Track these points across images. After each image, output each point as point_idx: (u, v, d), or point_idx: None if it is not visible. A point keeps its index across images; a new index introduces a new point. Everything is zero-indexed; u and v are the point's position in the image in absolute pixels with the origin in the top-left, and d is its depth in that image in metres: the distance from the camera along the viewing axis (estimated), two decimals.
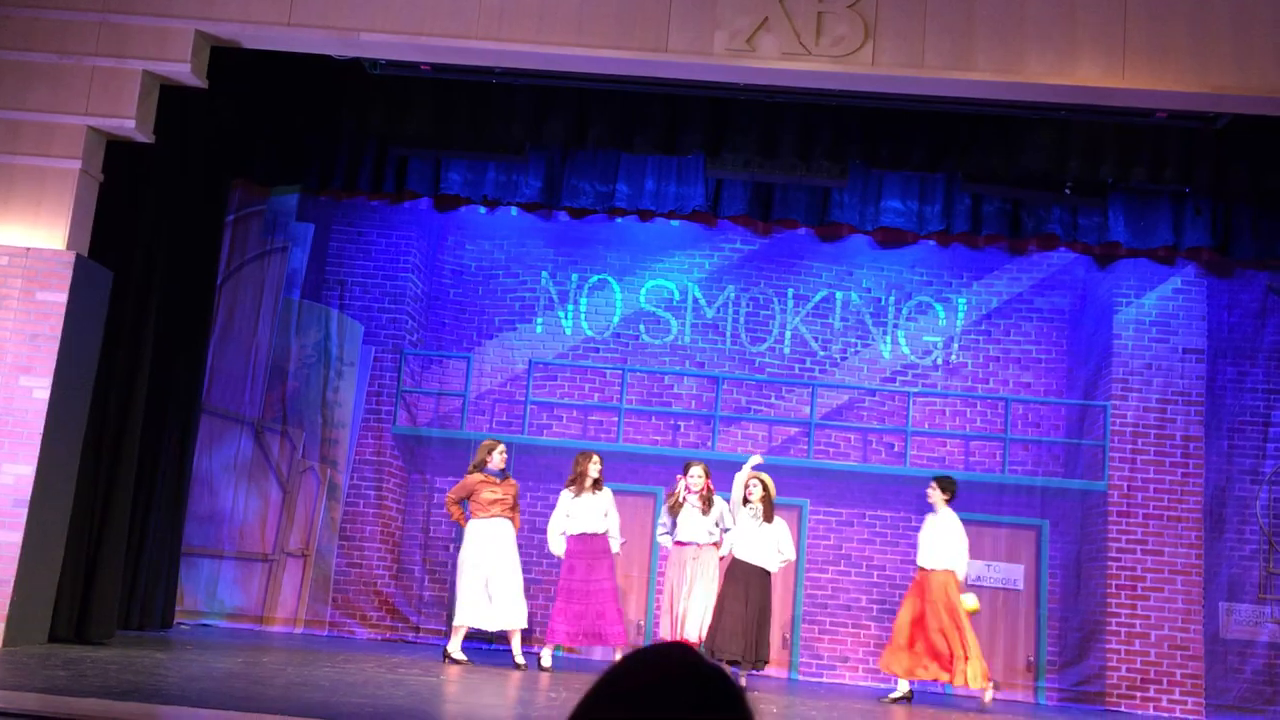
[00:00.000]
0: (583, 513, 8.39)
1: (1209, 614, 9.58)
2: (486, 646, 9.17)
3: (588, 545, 8.34)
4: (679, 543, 8.30)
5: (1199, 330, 9.99)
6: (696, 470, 8.38)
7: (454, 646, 8.32)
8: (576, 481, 8.45)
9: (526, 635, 8.75)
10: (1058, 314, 10.30)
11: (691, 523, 8.29)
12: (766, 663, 8.26)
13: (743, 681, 8.09)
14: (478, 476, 8.46)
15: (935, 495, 8.56)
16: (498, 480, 8.45)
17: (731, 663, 7.93)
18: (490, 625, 8.28)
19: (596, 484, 8.47)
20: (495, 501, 8.34)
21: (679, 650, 1.38)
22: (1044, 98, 7.55)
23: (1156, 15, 7.12)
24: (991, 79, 7.20)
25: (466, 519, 8.50)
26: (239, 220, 10.24)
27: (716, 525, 8.33)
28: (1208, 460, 9.79)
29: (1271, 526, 9.60)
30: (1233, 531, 9.53)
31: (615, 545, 8.44)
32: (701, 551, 8.24)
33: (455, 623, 8.40)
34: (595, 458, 8.55)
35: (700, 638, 8.06)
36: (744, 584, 8.08)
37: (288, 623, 9.83)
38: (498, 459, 8.50)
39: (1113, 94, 7.27)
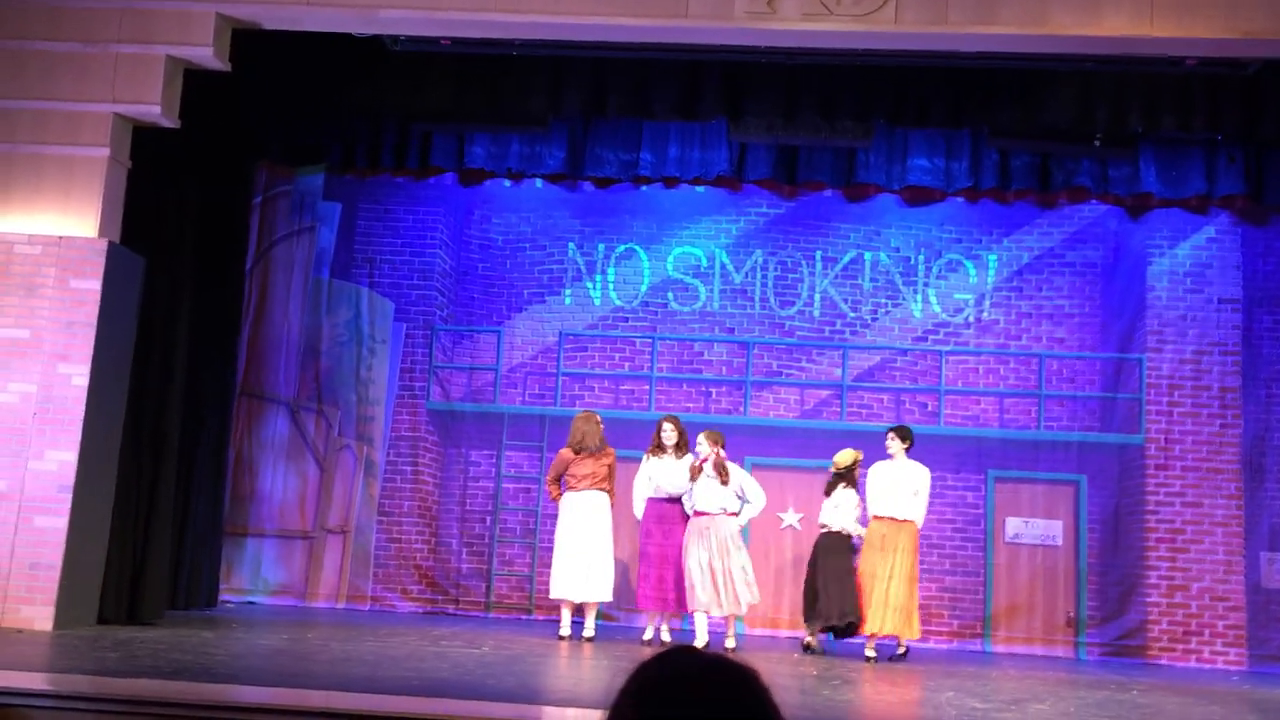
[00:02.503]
0: (663, 476, 8.37)
1: (1250, 564, 9.52)
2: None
3: (664, 510, 8.35)
4: (697, 512, 8.26)
5: (1234, 279, 9.87)
6: (701, 439, 8.31)
7: (562, 624, 8.34)
8: (657, 447, 8.42)
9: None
10: (1090, 267, 10.20)
11: (708, 493, 8.25)
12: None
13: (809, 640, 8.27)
14: (569, 452, 8.45)
15: (895, 445, 8.44)
16: (591, 453, 8.41)
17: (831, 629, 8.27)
18: (579, 597, 8.24)
19: (678, 448, 8.35)
20: (586, 475, 8.33)
21: (701, 653, 1.37)
22: (1070, 50, 7.44)
23: None
24: (1016, 32, 7.10)
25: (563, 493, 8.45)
26: (266, 201, 10.30)
27: (736, 496, 8.29)
28: (1245, 410, 9.70)
29: None
30: (1273, 481, 9.44)
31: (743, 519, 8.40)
32: (713, 521, 8.17)
33: (551, 597, 8.51)
34: (664, 424, 8.48)
35: (748, 605, 8.22)
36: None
37: (330, 598, 9.97)
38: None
39: (1141, 43, 7.16)
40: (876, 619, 8.13)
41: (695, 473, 8.25)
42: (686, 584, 8.13)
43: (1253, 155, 9.10)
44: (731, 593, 8.11)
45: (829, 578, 8.38)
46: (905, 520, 8.30)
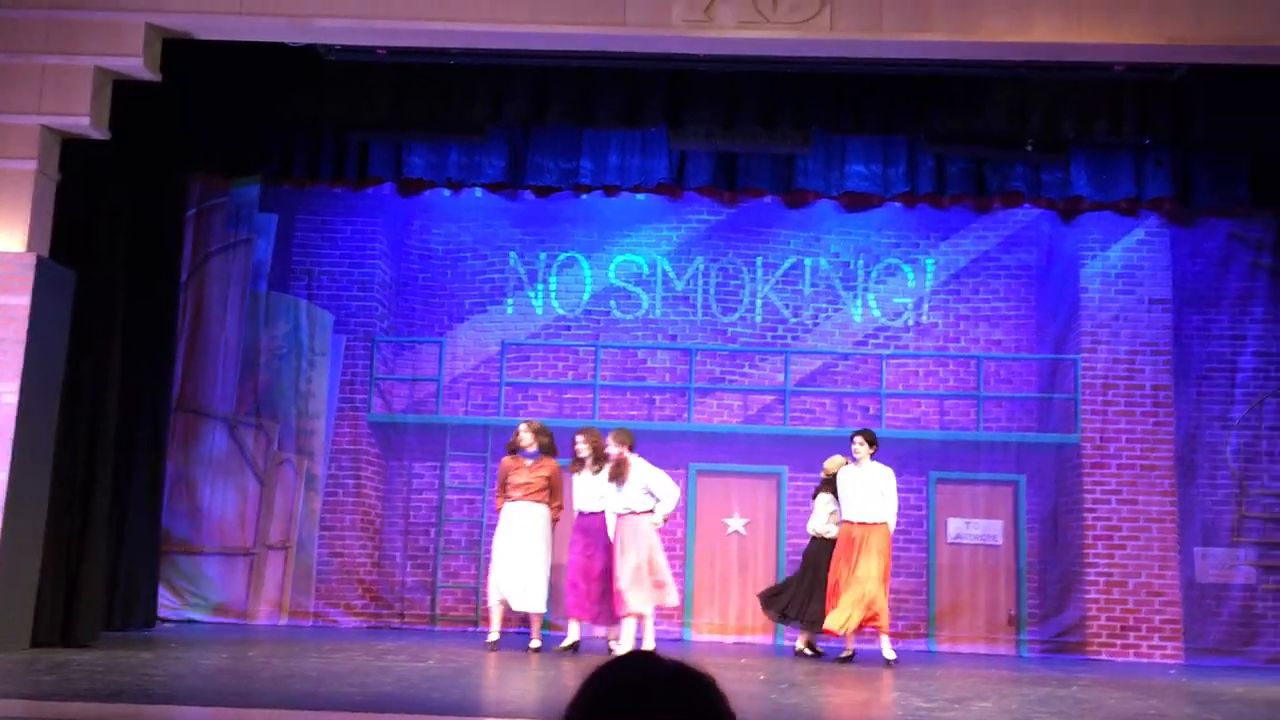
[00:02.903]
0: (578, 491, 8.26)
1: (1184, 560, 9.72)
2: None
3: (588, 522, 8.21)
4: (580, 513, 8.17)
5: (1164, 280, 10.08)
6: (609, 439, 8.12)
7: (492, 630, 8.30)
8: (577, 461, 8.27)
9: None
10: (1025, 270, 10.36)
11: (582, 489, 8.13)
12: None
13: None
14: (508, 460, 8.40)
15: (861, 449, 8.46)
16: (529, 463, 8.32)
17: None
18: (516, 606, 8.22)
19: (596, 461, 8.12)
20: (520, 485, 8.27)
21: (657, 659, 1.36)
22: (1003, 56, 7.57)
23: None
24: (950, 39, 7.20)
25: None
26: (201, 214, 10.15)
27: (647, 494, 8.01)
28: (1177, 408, 9.91)
29: (1242, 470, 9.73)
30: (1204, 477, 9.66)
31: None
32: (590, 520, 8.06)
33: (488, 605, 8.48)
34: (575, 438, 8.32)
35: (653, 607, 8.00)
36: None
37: (272, 615, 9.82)
38: (527, 439, 8.36)
39: (1070, 49, 7.29)
40: (842, 616, 8.10)
41: (575, 467, 8.14)
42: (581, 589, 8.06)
43: (1180, 159, 9.31)
44: (610, 597, 7.89)
45: (816, 584, 8.51)
46: (876, 523, 8.32)
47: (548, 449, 8.38)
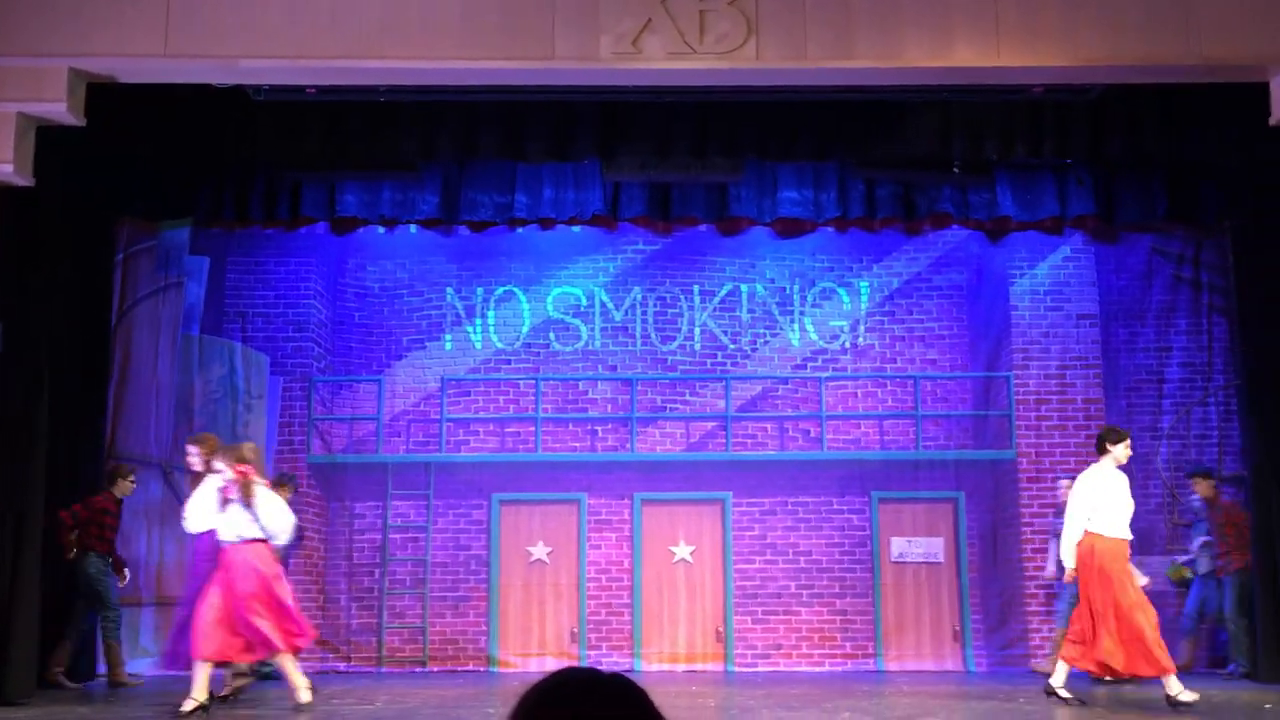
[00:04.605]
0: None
1: None
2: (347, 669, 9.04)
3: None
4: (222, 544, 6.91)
5: (1090, 296, 10.31)
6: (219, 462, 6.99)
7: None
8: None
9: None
10: (956, 290, 10.55)
11: (231, 520, 6.87)
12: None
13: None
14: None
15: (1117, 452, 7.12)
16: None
17: None
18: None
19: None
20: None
21: (579, 670, 1.51)
22: (925, 81, 7.72)
23: None
24: (873, 65, 7.34)
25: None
26: (129, 258, 9.97)
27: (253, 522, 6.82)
28: (1108, 420, 10.09)
29: (1173, 480, 9.94)
30: (1137, 488, 9.77)
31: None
32: (236, 550, 6.76)
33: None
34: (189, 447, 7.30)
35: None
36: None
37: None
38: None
39: (990, 73, 7.47)
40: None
41: (223, 500, 6.86)
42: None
43: (1101, 177, 9.53)
44: (245, 633, 6.70)
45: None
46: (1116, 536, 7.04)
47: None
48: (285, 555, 8.34)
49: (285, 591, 6.92)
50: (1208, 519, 9.29)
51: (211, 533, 6.97)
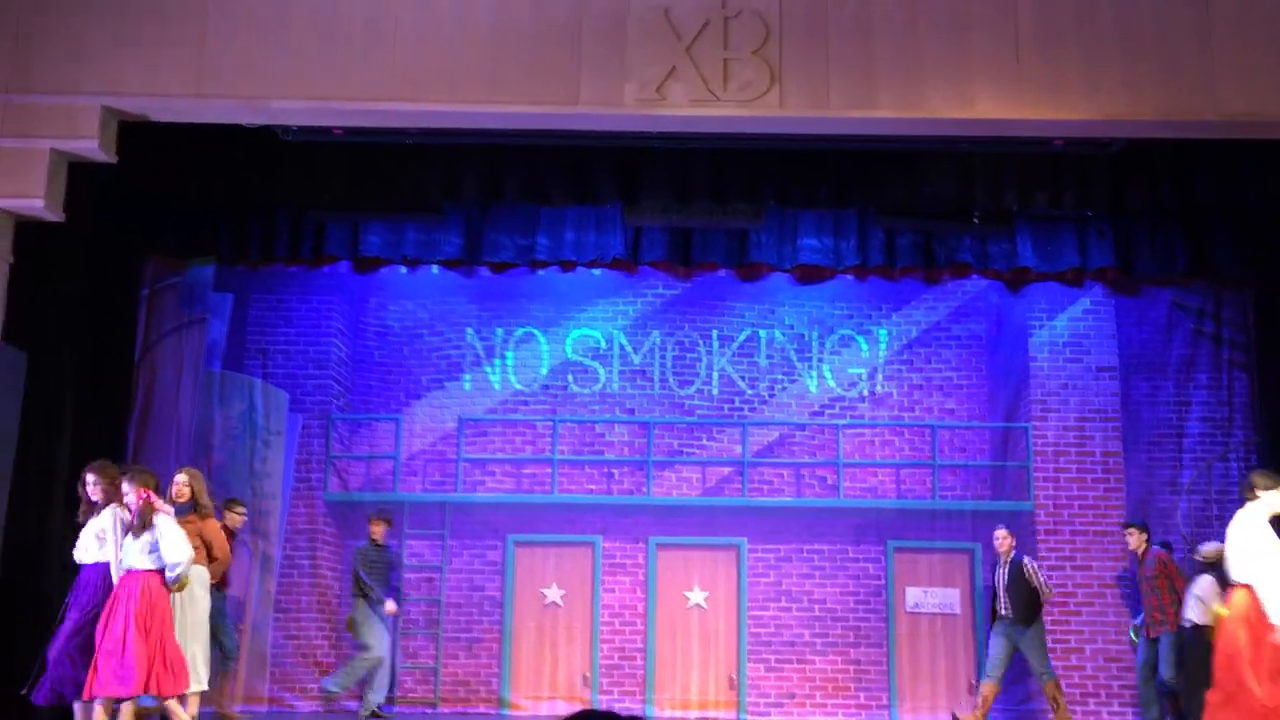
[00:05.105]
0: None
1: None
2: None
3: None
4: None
5: (1110, 348, 10.28)
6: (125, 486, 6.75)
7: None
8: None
9: None
10: (975, 340, 10.54)
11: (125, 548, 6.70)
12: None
13: None
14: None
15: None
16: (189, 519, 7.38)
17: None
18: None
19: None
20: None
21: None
22: (946, 131, 7.77)
23: (1049, 48, 7.39)
24: (895, 115, 7.41)
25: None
26: (154, 294, 10.08)
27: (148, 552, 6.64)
28: (1128, 474, 10.05)
29: (1193, 535, 9.86)
30: (1157, 542, 9.77)
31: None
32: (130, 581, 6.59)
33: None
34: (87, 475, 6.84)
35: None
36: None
37: (225, 701, 9.57)
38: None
39: (1011, 125, 7.52)
40: None
41: (131, 527, 6.63)
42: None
43: (1121, 229, 9.54)
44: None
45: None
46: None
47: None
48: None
49: (170, 631, 6.68)
50: (1135, 574, 9.22)
51: (97, 564, 6.71)
